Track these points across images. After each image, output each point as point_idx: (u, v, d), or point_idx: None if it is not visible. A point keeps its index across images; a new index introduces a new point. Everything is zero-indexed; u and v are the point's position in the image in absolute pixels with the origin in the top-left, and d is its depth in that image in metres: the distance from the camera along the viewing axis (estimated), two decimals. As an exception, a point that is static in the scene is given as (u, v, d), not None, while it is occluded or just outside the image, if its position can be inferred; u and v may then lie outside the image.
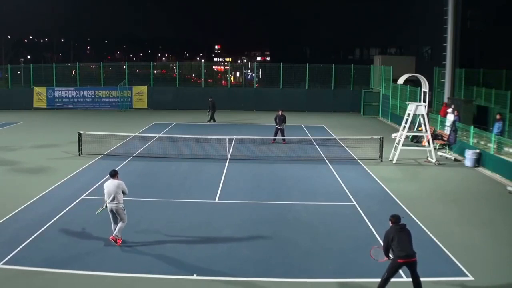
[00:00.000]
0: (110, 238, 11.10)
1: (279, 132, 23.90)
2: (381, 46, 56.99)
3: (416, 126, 24.59)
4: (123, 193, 11.28)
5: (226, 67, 60.52)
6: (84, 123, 30.56)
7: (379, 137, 20.97)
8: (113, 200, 11.09)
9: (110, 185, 11.23)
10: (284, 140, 23.87)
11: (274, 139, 23.88)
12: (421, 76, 21.83)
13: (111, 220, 11.36)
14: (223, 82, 51.48)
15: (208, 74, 48.02)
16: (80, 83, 39.59)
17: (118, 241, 11.11)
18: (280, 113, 23.99)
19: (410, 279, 9.74)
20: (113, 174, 11.44)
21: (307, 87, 39.43)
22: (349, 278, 9.78)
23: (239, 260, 10.60)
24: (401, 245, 8.65)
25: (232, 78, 54.26)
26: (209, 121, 31.41)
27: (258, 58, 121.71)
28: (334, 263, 10.53)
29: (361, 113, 37.31)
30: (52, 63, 41.05)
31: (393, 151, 20.82)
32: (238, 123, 31.28)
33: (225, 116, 34.13)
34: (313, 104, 38.44)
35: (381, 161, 20.51)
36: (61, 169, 18.50)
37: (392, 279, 9.73)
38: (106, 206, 11.25)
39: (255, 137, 23.86)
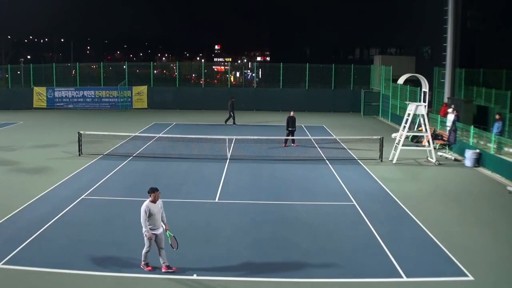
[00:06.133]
0: (162, 269, 9.96)
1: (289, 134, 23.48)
2: (381, 46, 57.05)
3: (416, 126, 24.59)
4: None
5: (226, 67, 60.46)
6: (84, 123, 30.57)
7: (379, 137, 20.98)
8: None
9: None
10: (294, 142, 23.63)
11: (286, 142, 23.57)
12: (421, 76, 21.83)
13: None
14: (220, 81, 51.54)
15: (208, 74, 48.01)
16: (80, 83, 39.60)
17: (173, 268, 9.98)
18: (291, 114, 23.48)
19: (410, 279, 9.78)
20: (148, 192, 9.97)
21: (307, 87, 39.43)
22: (349, 278, 9.78)
23: (239, 260, 10.59)
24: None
25: (232, 78, 54.24)
26: (229, 122, 30.60)
27: (258, 58, 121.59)
28: (334, 263, 10.52)
29: (361, 113, 37.29)
30: (52, 63, 41.04)
31: (393, 151, 20.83)
32: (238, 123, 31.24)
33: (225, 116, 34.09)
34: (313, 104, 38.42)
35: (381, 161, 20.52)
36: (61, 169, 18.51)
37: (392, 279, 9.77)
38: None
39: (255, 137, 23.85)
